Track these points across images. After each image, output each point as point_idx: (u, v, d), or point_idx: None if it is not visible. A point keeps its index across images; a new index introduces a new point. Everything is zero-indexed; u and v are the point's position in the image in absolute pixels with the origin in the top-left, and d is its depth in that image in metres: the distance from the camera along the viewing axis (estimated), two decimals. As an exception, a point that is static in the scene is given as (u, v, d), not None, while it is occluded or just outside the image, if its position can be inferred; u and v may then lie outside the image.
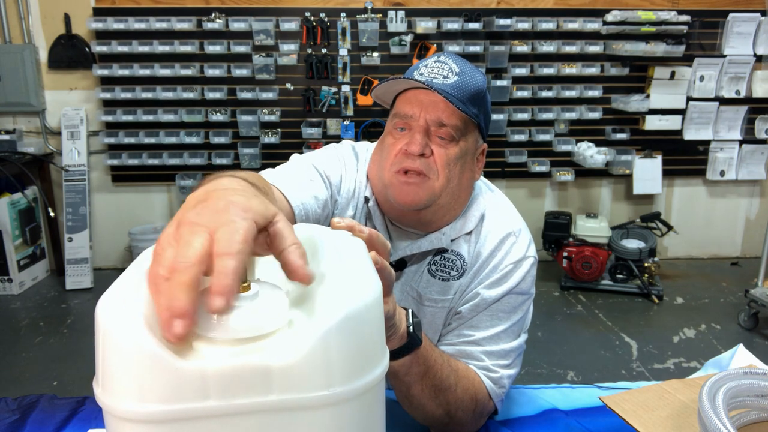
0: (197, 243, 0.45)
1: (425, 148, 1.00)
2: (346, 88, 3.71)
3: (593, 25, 3.59)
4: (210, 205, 0.50)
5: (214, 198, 0.51)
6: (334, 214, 1.07)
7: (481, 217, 1.08)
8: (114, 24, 3.48)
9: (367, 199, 1.09)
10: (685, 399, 0.80)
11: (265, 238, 0.51)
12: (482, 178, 1.15)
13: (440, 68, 1.01)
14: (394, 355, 0.84)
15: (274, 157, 3.73)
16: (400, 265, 1.07)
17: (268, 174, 0.97)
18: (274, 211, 0.52)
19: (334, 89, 3.70)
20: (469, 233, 1.07)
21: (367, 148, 1.16)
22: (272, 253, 0.51)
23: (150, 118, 3.63)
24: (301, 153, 1.14)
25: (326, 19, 3.58)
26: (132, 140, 3.65)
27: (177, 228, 0.48)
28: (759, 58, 3.79)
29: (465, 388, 0.95)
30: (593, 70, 3.68)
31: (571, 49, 3.62)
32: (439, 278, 1.06)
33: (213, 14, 3.54)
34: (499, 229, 1.06)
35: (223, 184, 0.58)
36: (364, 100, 3.69)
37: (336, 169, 1.09)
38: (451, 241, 1.07)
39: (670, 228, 3.71)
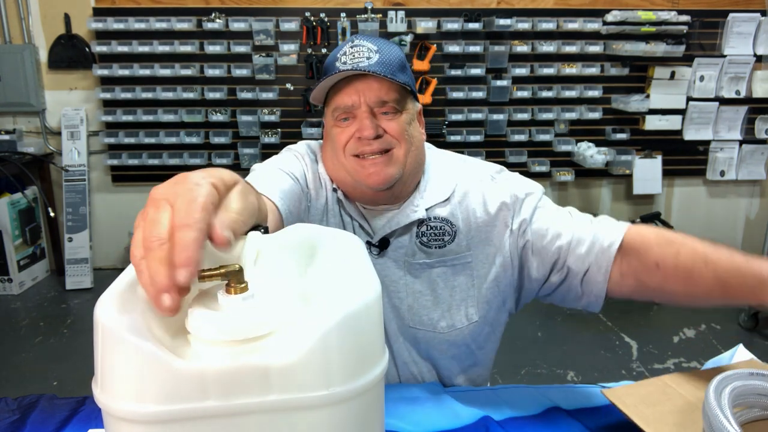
0: (162, 218, 0.46)
1: (378, 128, 1.03)
2: (346, 88, 3.70)
3: (593, 25, 3.59)
4: (169, 181, 0.52)
5: (178, 176, 0.53)
6: (308, 207, 1.11)
7: (453, 183, 1.13)
8: (114, 24, 3.48)
9: (335, 189, 1.13)
10: (687, 394, 0.80)
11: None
12: (429, 144, 1.21)
13: (359, 52, 1.04)
14: None
15: (274, 157, 3.72)
16: (383, 244, 1.11)
17: None
18: (236, 178, 0.53)
19: (334, 89, 3.69)
20: (446, 200, 1.12)
21: (318, 143, 1.20)
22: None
23: (150, 118, 3.63)
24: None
25: (326, 19, 3.58)
26: (132, 140, 3.65)
27: (144, 209, 0.50)
28: (759, 58, 3.79)
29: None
30: (593, 70, 3.68)
31: (571, 49, 3.62)
32: (435, 247, 1.10)
33: (213, 14, 3.54)
34: (476, 184, 1.13)
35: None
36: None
37: (298, 166, 1.12)
38: (427, 209, 1.11)
39: (670, 228, 3.71)
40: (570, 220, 1.09)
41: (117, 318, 0.45)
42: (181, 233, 0.45)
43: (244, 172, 1.12)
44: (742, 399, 0.72)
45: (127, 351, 0.44)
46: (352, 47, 1.05)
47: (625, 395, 0.80)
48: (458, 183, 1.14)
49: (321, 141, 1.20)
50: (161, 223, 0.46)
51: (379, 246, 1.10)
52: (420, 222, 1.11)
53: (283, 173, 1.07)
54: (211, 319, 0.46)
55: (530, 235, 1.08)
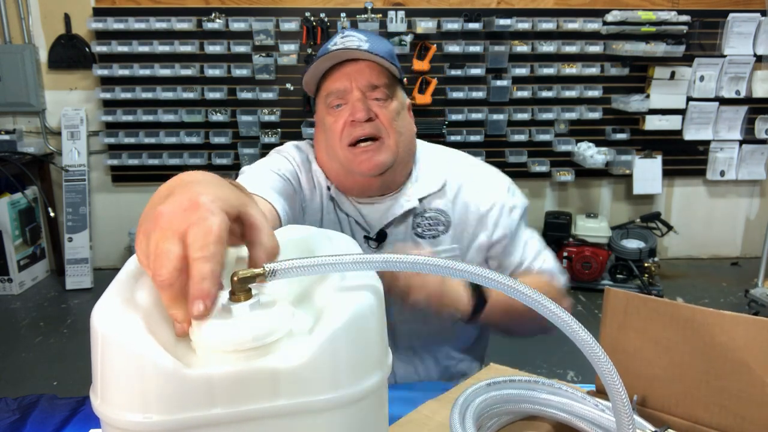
0: (170, 254, 0.43)
1: (369, 112, 1.05)
2: (346, 88, 3.70)
3: (593, 25, 3.59)
4: (176, 203, 0.47)
5: (179, 194, 0.48)
6: (303, 208, 1.12)
7: (444, 174, 1.16)
8: (114, 24, 3.47)
9: (329, 187, 1.14)
10: (442, 420, 0.78)
11: (238, 227, 0.50)
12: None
13: (350, 40, 1.06)
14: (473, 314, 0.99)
15: (274, 157, 3.72)
16: (380, 237, 1.12)
17: None
18: (245, 198, 0.50)
19: (334, 89, 3.69)
20: (440, 190, 1.14)
21: (307, 143, 1.21)
22: (245, 243, 0.50)
23: (150, 118, 3.63)
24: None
25: (326, 19, 3.57)
26: (132, 140, 3.65)
27: (149, 236, 0.46)
28: (759, 58, 3.79)
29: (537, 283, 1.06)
30: (593, 70, 3.68)
31: (571, 49, 3.62)
32: (429, 237, 1.13)
33: (213, 14, 3.54)
34: (468, 179, 1.16)
35: (190, 176, 0.54)
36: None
37: (288, 167, 1.13)
38: (421, 200, 1.13)
39: (670, 228, 3.71)
40: (532, 250, 1.16)
41: (118, 325, 0.44)
42: (198, 266, 0.43)
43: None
44: (489, 410, 0.74)
45: (130, 359, 0.43)
46: (342, 37, 1.08)
47: None
48: (450, 175, 1.16)
49: (309, 140, 1.21)
50: (168, 258, 0.44)
51: (377, 239, 1.12)
52: (416, 213, 1.12)
53: (274, 174, 1.07)
54: (220, 329, 0.45)
55: (500, 249, 1.14)
